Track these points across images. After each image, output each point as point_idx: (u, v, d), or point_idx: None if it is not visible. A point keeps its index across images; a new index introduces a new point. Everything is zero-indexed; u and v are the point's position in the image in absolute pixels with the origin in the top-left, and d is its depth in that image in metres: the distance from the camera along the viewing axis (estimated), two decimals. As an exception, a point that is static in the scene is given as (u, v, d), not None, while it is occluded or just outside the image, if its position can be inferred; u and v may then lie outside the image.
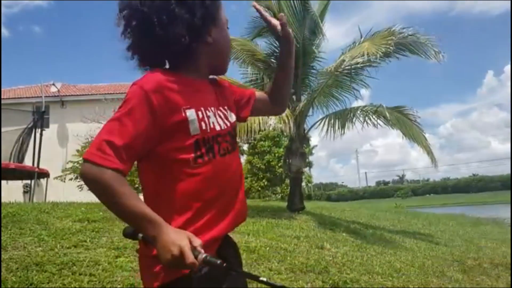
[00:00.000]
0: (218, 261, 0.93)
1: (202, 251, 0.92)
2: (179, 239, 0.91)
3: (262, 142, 17.50)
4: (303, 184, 16.32)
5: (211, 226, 1.08)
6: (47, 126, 13.83)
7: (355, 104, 8.73)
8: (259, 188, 17.83)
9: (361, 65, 7.51)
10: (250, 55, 8.61)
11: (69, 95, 17.38)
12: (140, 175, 1.12)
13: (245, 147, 17.97)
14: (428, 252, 5.64)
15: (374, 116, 7.76)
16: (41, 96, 11.74)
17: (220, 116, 1.15)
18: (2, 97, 11.72)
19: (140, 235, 0.99)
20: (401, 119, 7.72)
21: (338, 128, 8.04)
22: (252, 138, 15.02)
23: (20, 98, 16.34)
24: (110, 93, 15.51)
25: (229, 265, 0.97)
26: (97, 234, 3.85)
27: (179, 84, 1.06)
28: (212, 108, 1.14)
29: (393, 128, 7.75)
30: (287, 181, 14.76)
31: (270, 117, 7.04)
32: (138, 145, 0.99)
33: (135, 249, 3.42)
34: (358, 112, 7.96)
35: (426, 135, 8.03)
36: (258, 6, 1.28)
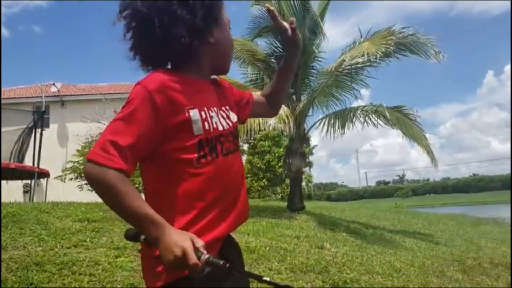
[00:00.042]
0: (221, 262, 0.93)
1: (205, 252, 0.93)
2: (181, 240, 0.92)
3: (262, 142, 17.49)
4: (303, 184, 16.30)
5: (214, 226, 1.08)
6: (47, 126, 13.83)
7: (355, 104, 8.71)
8: (259, 188, 17.82)
9: (361, 65, 7.52)
10: (250, 55, 8.62)
11: (69, 95, 17.38)
12: (142, 175, 1.12)
13: (245, 147, 17.96)
14: (428, 252, 5.64)
15: (374, 116, 7.76)
16: (41, 96, 11.74)
17: (222, 116, 1.16)
18: (2, 97, 11.72)
19: (142, 237, 0.99)
20: (401, 118, 7.72)
21: (338, 128, 8.04)
22: (252, 138, 15.02)
23: (20, 98, 16.34)
24: (110, 93, 15.52)
25: (231, 266, 0.97)
26: (97, 234, 3.85)
27: (182, 84, 1.06)
28: (215, 108, 1.14)
29: (393, 128, 7.75)
30: (287, 181, 14.75)
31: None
32: (141, 145, 0.99)
33: (135, 249, 3.42)
34: (358, 112, 7.96)
35: (426, 135, 8.04)
36: (271, 8, 1.28)
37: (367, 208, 14.42)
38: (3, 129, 8.38)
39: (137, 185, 6.25)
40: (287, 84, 1.46)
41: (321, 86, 8.08)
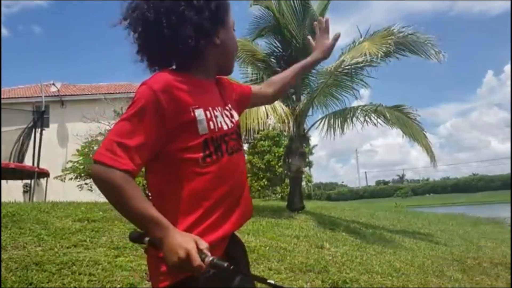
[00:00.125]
0: (225, 264, 0.93)
1: (209, 254, 0.93)
2: (185, 242, 0.92)
3: (262, 142, 17.47)
4: (303, 183, 16.30)
5: (220, 224, 1.09)
6: (47, 126, 13.81)
7: (355, 103, 8.70)
8: (259, 188, 17.81)
9: (361, 65, 7.51)
10: (250, 55, 8.63)
11: (69, 95, 17.35)
12: (148, 175, 1.13)
13: (245, 147, 17.97)
14: (427, 251, 5.65)
15: (374, 115, 7.76)
16: (41, 96, 11.75)
17: (226, 116, 1.17)
18: (2, 97, 11.71)
19: (147, 239, 1.00)
20: (401, 118, 7.71)
21: (338, 127, 8.04)
22: (252, 138, 15.02)
23: (20, 98, 16.32)
24: (110, 93, 15.48)
25: (236, 268, 0.97)
26: (96, 233, 3.85)
27: (188, 84, 1.07)
28: (219, 108, 1.15)
29: (393, 127, 7.75)
30: (287, 180, 14.76)
31: (270, 117, 7.06)
32: (147, 145, 1.00)
33: (135, 249, 3.42)
34: (358, 111, 7.96)
35: (426, 135, 8.03)
36: (324, 20, 1.54)
37: (367, 208, 14.42)
38: (3, 129, 8.39)
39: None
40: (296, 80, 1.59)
41: (321, 86, 8.09)
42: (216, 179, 1.09)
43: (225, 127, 1.14)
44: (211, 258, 0.92)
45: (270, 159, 17.31)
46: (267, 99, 1.58)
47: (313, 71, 8.64)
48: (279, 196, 18.67)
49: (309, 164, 25.33)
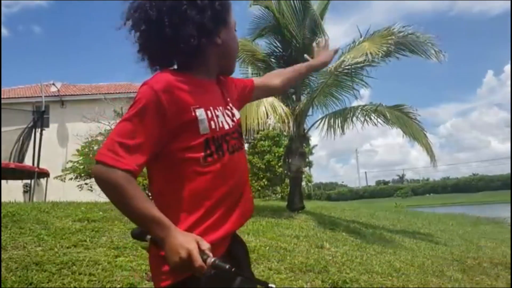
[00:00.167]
0: (227, 266, 0.93)
1: (211, 254, 0.93)
2: (187, 242, 0.92)
3: (262, 142, 17.46)
4: (303, 183, 16.28)
5: (222, 223, 1.10)
6: (47, 126, 13.80)
7: (355, 103, 8.70)
8: (259, 188, 17.79)
9: (361, 65, 7.51)
10: (250, 55, 8.63)
11: (69, 95, 17.35)
12: (149, 175, 1.13)
13: (245, 146, 17.96)
14: (427, 251, 5.65)
15: (374, 115, 7.76)
16: (41, 96, 11.74)
17: (228, 115, 1.17)
18: (2, 97, 11.71)
19: (149, 236, 1.00)
20: (401, 117, 7.71)
21: (338, 127, 8.03)
22: (252, 138, 15.02)
23: (20, 98, 16.31)
24: (110, 93, 15.48)
25: (237, 270, 0.98)
26: (96, 233, 3.85)
27: (189, 84, 1.08)
28: (221, 108, 1.15)
29: (393, 127, 7.74)
30: (287, 180, 14.74)
31: (270, 117, 7.06)
32: (149, 145, 1.00)
33: (135, 249, 3.41)
34: (358, 111, 7.96)
35: (426, 134, 8.02)
36: (323, 41, 1.74)
37: (367, 207, 14.42)
38: (3, 129, 8.38)
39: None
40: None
41: (321, 86, 8.08)
42: (218, 178, 1.09)
43: (226, 127, 1.14)
44: (212, 259, 0.92)
45: (270, 159, 17.29)
46: (275, 91, 1.60)
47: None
48: (279, 196, 18.65)
49: (309, 164, 25.32)
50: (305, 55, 1.73)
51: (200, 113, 1.07)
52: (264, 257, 3.87)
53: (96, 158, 0.98)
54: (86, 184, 8.75)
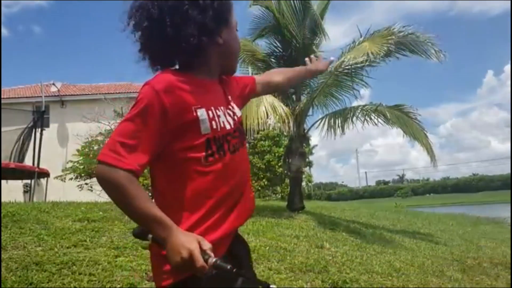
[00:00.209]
0: (228, 266, 0.93)
1: (212, 254, 0.94)
2: (188, 242, 0.93)
3: (262, 142, 17.45)
4: (303, 183, 16.29)
5: (223, 222, 1.10)
6: (47, 126, 13.80)
7: (355, 103, 8.70)
8: (259, 188, 17.78)
9: (361, 65, 7.50)
10: (250, 55, 8.63)
11: (69, 95, 17.35)
12: (151, 175, 1.14)
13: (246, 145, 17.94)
14: (427, 251, 5.65)
15: (374, 115, 7.75)
16: (41, 96, 11.74)
17: (229, 115, 1.18)
18: (2, 97, 11.71)
19: (150, 236, 1.01)
20: (401, 117, 7.70)
21: (338, 127, 8.03)
22: (252, 138, 15.01)
23: (20, 98, 16.31)
24: (110, 93, 15.48)
25: (238, 271, 0.98)
26: (96, 233, 3.85)
27: (190, 84, 1.08)
28: (222, 108, 1.16)
29: (393, 126, 7.74)
30: (287, 180, 14.75)
31: (270, 117, 7.06)
32: (150, 145, 1.01)
33: (135, 248, 3.41)
34: (358, 111, 7.95)
35: (427, 134, 8.01)
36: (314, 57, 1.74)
37: (367, 207, 14.42)
38: (3, 129, 8.38)
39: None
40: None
41: (321, 86, 8.08)
42: (219, 178, 1.10)
43: (227, 127, 1.14)
44: (214, 259, 0.93)
45: (270, 159, 17.28)
46: (276, 88, 1.67)
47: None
48: (279, 196, 18.65)
49: (309, 164, 25.29)
50: (306, 59, 1.75)
51: (202, 113, 1.07)
52: (264, 257, 3.87)
53: (98, 158, 0.99)
54: (86, 184, 8.75)
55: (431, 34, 7.34)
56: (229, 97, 1.24)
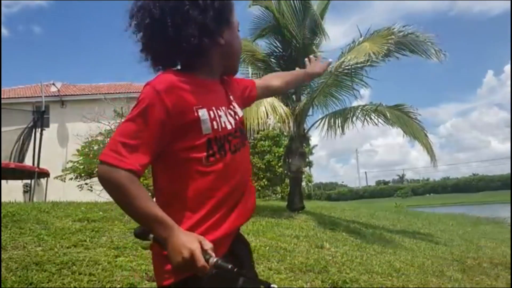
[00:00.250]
0: (229, 266, 0.94)
1: (213, 254, 0.94)
2: (190, 241, 0.93)
3: (262, 142, 17.45)
4: (303, 183, 16.30)
5: (223, 222, 1.10)
6: (47, 126, 13.80)
7: (355, 103, 8.71)
8: (259, 188, 17.77)
9: (361, 65, 7.51)
10: (250, 55, 8.63)
11: (69, 95, 17.34)
12: (152, 175, 1.14)
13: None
14: (427, 251, 5.65)
15: (374, 115, 7.76)
16: (41, 96, 11.74)
17: (230, 115, 1.18)
18: (2, 97, 11.71)
19: (151, 235, 1.01)
20: (401, 117, 7.71)
21: (338, 127, 8.03)
22: (252, 138, 15.01)
23: (20, 98, 16.30)
24: (110, 93, 15.47)
25: (239, 270, 0.98)
26: (96, 233, 3.85)
27: (191, 84, 1.08)
28: (223, 108, 1.16)
29: (393, 126, 7.74)
30: (287, 180, 14.75)
31: (270, 117, 7.07)
32: (152, 145, 1.01)
33: (135, 248, 3.41)
34: (358, 111, 7.96)
35: (427, 134, 8.01)
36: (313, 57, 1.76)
37: (367, 208, 14.42)
38: (3, 129, 8.38)
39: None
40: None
41: (321, 86, 8.08)
42: (220, 178, 1.10)
43: (229, 127, 1.14)
44: (215, 259, 0.93)
45: (270, 159, 17.28)
46: (275, 92, 1.65)
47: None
48: (279, 196, 18.66)
49: (309, 164, 25.30)
50: (305, 59, 1.77)
51: (203, 113, 1.07)
52: (264, 257, 3.88)
53: (99, 158, 0.99)
54: (86, 184, 8.75)
55: (431, 34, 7.36)
56: (231, 97, 1.24)
